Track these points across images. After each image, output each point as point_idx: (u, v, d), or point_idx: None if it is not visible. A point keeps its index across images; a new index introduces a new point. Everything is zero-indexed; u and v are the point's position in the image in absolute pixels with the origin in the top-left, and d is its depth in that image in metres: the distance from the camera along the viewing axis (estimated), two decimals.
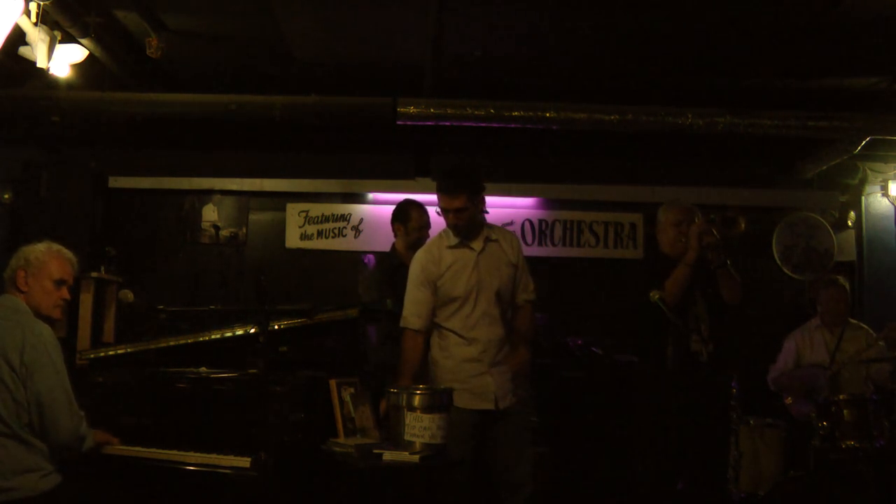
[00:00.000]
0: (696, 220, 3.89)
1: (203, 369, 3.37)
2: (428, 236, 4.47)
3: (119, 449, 3.09)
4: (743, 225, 3.91)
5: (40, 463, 2.79)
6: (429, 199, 6.15)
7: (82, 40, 4.31)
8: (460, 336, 3.56)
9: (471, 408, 3.48)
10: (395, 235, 4.61)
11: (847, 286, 5.09)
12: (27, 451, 2.77)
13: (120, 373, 3.46)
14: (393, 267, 4.47)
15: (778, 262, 6.23)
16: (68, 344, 5.01)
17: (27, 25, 3.77)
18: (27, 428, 2.78)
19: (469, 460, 3.44)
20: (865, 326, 4.98)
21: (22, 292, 2.98)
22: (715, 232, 3.79)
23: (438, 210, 3.60)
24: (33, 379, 2.77)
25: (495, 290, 3.58)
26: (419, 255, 3.68)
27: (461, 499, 3.47)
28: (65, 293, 3.06)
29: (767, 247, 6.23)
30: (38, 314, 2.97)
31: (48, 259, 3.04)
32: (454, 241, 3.62)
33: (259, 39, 4.90)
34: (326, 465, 3.06)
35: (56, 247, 3.09)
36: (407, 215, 4.54)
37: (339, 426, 3.19)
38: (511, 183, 6.12)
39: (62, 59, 4.18)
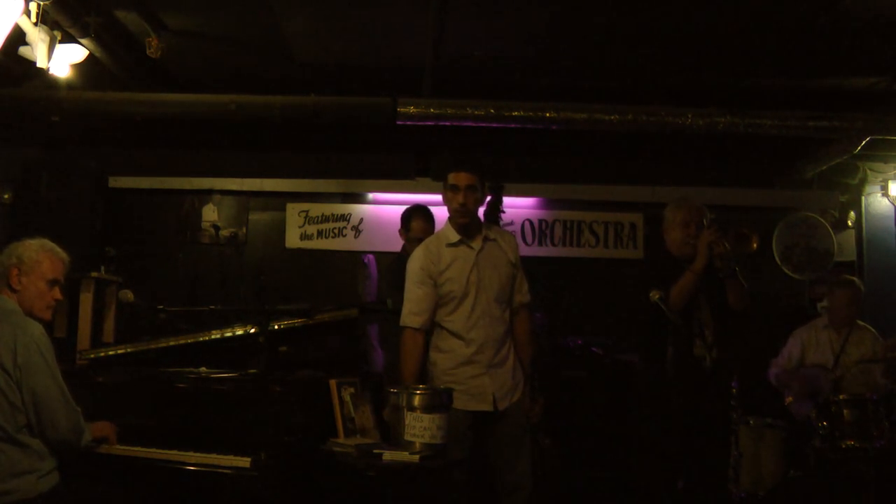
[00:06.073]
0: (706, 225, 3.84)
1: (203, 369, 3.36)
2: None
3: (119, 449, 3.08)
4: (755, 244, 3.84)
5: (36, 464, 2.77)
6: (429, 199, 6.20)
7: (82, 40, 4.30)
8: (459, 336, 3.52)
9: (468, 409, 3.46)
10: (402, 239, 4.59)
11: (862, 288, 4.97)
12: (23, 453, 2.75)
13: (120, 373, 3.45)
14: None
15: (778, 262, 6.22)
16: (68, 344, 5.01)
17: (27, 25, 3.77)
18: (25, 429, 2.76)
19: (466, 461, 3.41)
20: (872, 329, 4.91)
21: (14, 291, 2.90)
22: (726, 244, 3.70)
23: (447, 193, 3.53)
24: (28, 380, 2.74)
25: (495, 290, 3.55)
26: (417, 252, 3.63)
27: (461, 499, 3.46)
28: (57, 293, 3.00)
29: (767, 247, 6.21)
30: (30, 314, 2.91)
31: (42, 258, 2.95)
32: (454, 238, 3.58)
33: (259, 39, 4.90)
34: (326, 465, 3.05)
35: (49, 245, 3.01)
36: (407, 224, 4.51)
37: (339, 426, 3.19)
38: (511, 183, 6.07)
39: (62, 59, 4.18)
